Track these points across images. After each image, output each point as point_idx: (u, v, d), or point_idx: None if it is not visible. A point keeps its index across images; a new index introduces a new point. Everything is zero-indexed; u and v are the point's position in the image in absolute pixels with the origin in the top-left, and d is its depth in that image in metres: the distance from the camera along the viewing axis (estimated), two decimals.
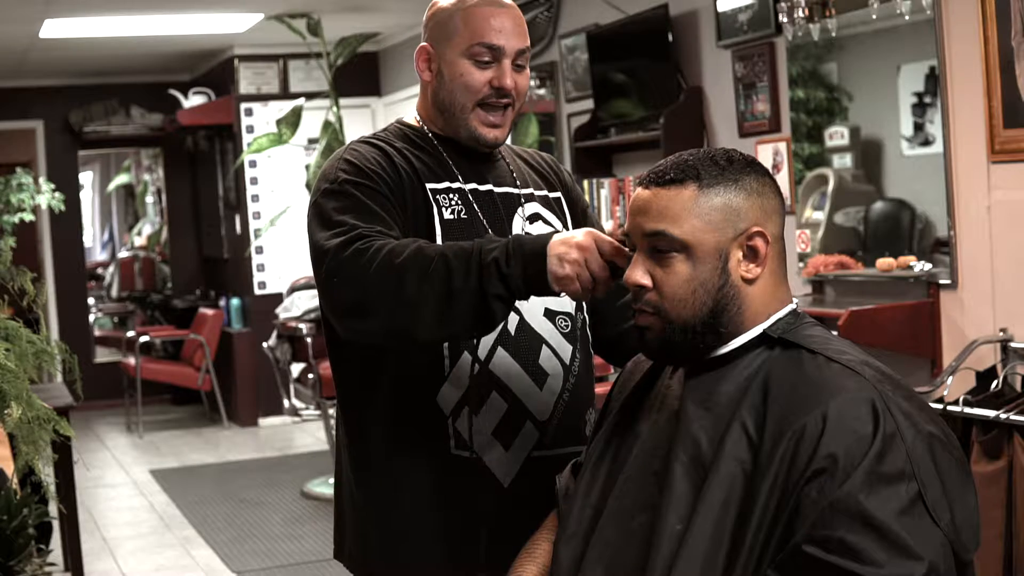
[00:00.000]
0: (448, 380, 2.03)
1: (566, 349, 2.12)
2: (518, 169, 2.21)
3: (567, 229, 2.18)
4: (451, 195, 2.07)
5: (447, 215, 2.05)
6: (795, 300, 1.73)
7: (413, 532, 2.07)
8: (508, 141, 2.20)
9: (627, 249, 1.77)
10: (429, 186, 2.06)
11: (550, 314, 2.12)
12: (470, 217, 2.07)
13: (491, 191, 2.13)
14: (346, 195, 1.97)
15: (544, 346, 2.09)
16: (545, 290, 1.80)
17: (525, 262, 1.78)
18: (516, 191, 2.16)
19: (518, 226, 2.13)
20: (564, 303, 2.14)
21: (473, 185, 2.11)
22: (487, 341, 2.04)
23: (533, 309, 2.10)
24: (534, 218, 2.15)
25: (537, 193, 2.20)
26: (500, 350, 2.04)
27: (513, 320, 2.06)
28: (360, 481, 2.12)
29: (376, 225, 1.92)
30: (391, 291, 1.81)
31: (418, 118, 2.17)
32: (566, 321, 2.13)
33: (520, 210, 2.14)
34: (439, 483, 2.05)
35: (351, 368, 2.12)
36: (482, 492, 2.05)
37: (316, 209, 1.99)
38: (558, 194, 2.24)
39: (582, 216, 2.26)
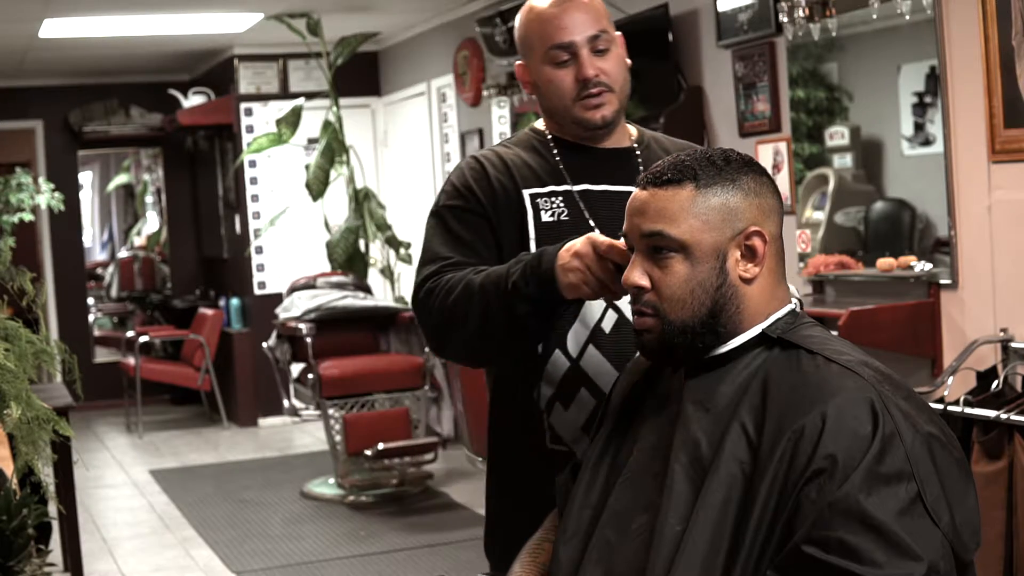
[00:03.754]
0: (543, 377, 2.13)
1: None
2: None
3: None
4: (555, 198, 2.15)
5: (546, 217, 2.14)
6: (793, 300, 1.72)
7: (516, 523, 2.11)
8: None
9: (621, 245, 1.78)
10: (529, 192, 2.15)
11: None
12: (573, 219, 2.14)
13: (607, 191, 2.18)
14: (441, 218, 2.17)
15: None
16: (562, 301, 1.92)
17: (540, 279, 1.91)
18: None
19: None
20: None
21: (584, 187, 2.17)
22: (580, 339, 2.11)
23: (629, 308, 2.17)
24: None
25: None
26: (591, 348, 2.11)
27: (611, 319, 2.14)
28: (488, 471, 2.31)
29: (456, 255, 2.10)
30: (449, 327, 2.04)
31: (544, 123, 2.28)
32: None
33: None
34: (538, 475, 2.10)
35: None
36: None
37: (426, 225, 2.21)
38: None
39: None
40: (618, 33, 2.20)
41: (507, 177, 2.16)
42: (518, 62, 2.22)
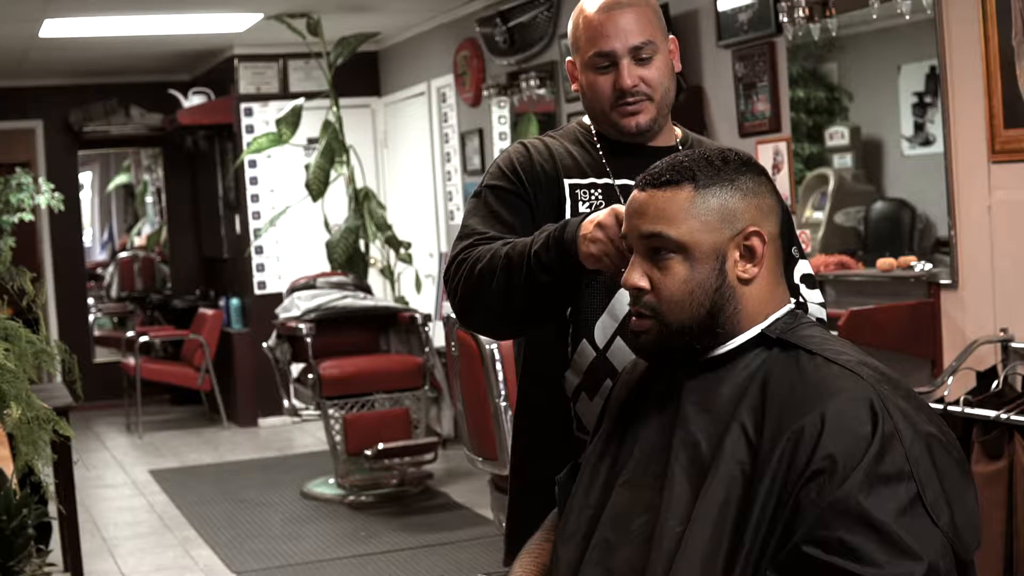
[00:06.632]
0: (570, 366, 2.16)
1: None
2: None
3: None
4: (594, 190, 2.19)
5: (583, 208, 2.17)
6: (792, 300, 1.72)
7: (538, 509, 2.11)
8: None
9: None
10: (569, 182, 2.19)
11: None
12: None
13: None
14: (483, 198, 2.21)
15: None
16: (582, 272, 1.94)
17: (561, 249, 1.92)
18: None
19: None
20: None
21: (624, 181, 2.20)
22: (607, 331, 2.12)
23: None
24: None
25: None
26: (618, 340, 2.12)
27: None
28: (512, 455, 2.34)
29: (493, 231, 2.13)
30: (475, 295, 2.06)
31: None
32: None
33: None
34: (563, 462, 2.09)
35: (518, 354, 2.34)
36: None
37: (467, 205, 2.25)
38: None
39: None
40: (672, 36, 2.22)
41: (550, 165, 2.20)
42: (568, 58, 2.26)
